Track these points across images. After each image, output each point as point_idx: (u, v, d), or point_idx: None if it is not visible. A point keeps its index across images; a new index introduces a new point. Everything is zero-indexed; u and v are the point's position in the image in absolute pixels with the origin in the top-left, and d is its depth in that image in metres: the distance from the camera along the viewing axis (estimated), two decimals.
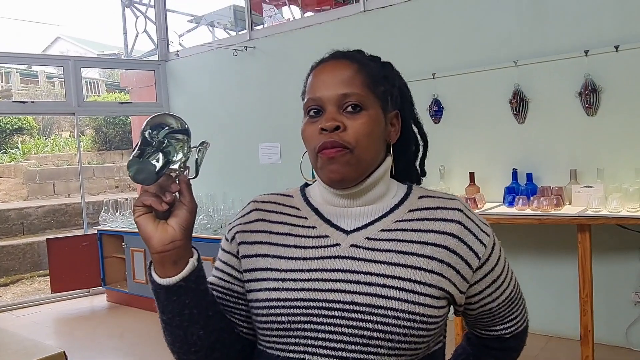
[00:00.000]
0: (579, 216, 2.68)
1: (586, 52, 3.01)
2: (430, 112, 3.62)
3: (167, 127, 0.74)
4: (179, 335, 0.79)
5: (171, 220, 0.74)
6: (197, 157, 0.76)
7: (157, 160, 0.72)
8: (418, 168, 0.96)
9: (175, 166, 0.74)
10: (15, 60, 6.55)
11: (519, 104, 3.26)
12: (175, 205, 0.74)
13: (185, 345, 0.79)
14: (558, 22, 3.16)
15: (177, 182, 0.75)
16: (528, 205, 2.96)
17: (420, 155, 0.95)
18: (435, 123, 3.62)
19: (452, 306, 0.84)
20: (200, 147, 0.77)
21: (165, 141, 0.73)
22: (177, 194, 0.75)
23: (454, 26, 3.59)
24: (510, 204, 3.07)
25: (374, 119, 0.81)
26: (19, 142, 10.26)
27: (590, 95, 3.01)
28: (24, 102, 5.56)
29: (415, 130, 0.93)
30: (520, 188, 3.15)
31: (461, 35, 3.55)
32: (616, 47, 2.92)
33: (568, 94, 3.10)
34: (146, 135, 0.72)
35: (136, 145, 0.73)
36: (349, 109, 0.80)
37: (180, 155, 0.74)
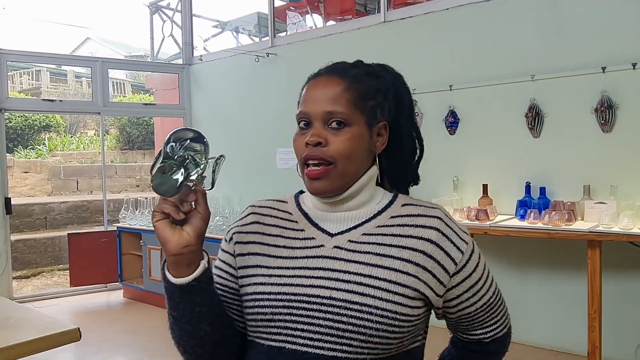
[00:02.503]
0: (589, 232, 2.69)
1: (603, 68, 3.02)
2: (446, 123, 3.66)
3: (187, 140, 0.80)
4: (187, 331, 0.85)
5: (187, 227, 0.80)
6: (213, 169, 0.83)
7: (179, 175, 0.79)
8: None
9: (194, 177, 0.80)
10: (46, 60, 6.79)
11: (535, 118, 3.28)
12: (191, 212, 0.81)
13: (192, 339, 0.86)
14: (576, 38, 3.18)
15: (194, 191, 0.81)
16: (539, 219, 2.97)
17: (416, 159, 0.98)
18: (451, 134, 3.65)
19: (432, 310, 0.90)
20: (217, 160, 0.83)
21: (188, 157, 0.80)
22: (193, 202, 0.81)
23: (473, 39, 3.63)
24: (522, 217, 3.09)
25: (356, 135, 0.87)
26: (46, 139, 10.56)
27: (606, 112, 3.01)
28: (52, 101, 5.75)
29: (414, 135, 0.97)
30: (533, 202, 3.16)
31: (479, 49, 3.59)
32: (633, 65, 2.93)
33: (584, 110, 3.11)
34: (168, 149, 0.79)
35: (157, 156, 0.80)
36: (334, 124, 0.86)
37: (198, 167, 0.80)
